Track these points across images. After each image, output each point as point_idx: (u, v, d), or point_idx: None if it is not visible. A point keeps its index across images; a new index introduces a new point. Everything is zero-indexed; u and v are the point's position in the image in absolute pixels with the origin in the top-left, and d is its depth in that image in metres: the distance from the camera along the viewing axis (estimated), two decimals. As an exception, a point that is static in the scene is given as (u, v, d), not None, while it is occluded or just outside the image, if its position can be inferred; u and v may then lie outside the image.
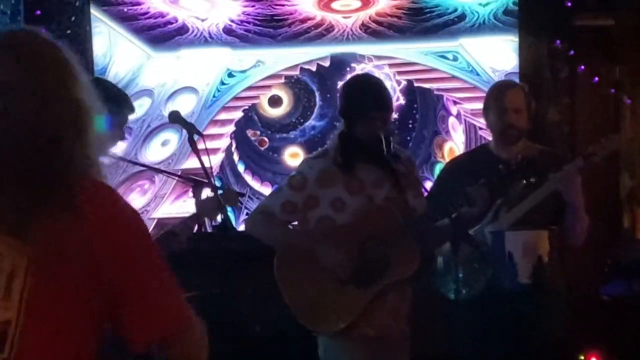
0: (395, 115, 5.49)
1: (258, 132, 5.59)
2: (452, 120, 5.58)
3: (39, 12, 5.37)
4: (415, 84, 5.56)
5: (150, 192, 5.50)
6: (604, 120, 5.43)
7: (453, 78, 5.57)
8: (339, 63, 5.55)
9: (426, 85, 5.58)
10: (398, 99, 5.53)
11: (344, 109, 3.60)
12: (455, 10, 5.47)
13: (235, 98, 5.58)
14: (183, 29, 5.48)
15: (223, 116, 5.57)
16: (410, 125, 5.57)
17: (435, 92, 5.57)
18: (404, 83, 5.54)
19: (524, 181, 3.64)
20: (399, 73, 5.54)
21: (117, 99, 3.56)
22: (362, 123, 3.50)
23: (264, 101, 5.60)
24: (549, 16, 5.39)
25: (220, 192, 3.58)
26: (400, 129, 5.52)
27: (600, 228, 4.75)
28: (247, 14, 5.49)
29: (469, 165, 3.90)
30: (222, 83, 5.56)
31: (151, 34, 5.48)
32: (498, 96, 3.81)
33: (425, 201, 3.55)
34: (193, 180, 3.72)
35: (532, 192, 3.64)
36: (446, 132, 5.58)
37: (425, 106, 5.59)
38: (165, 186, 5.49)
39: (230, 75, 5.56)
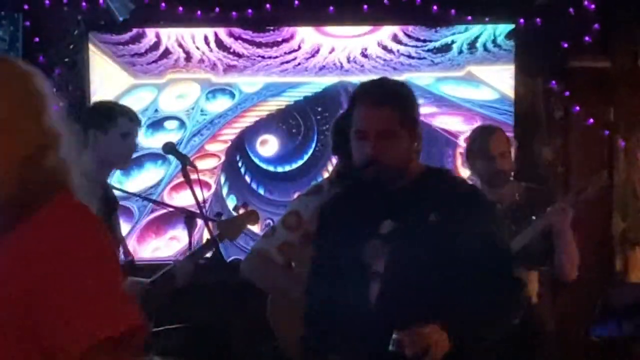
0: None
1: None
2: (459, 156, 5.43)
3: (37, 39, 5.37)
4: (420, 118, 5.45)
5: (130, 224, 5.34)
6: (598, 162, 5.44)
7: (461, 112, 5.49)
8: (335, 94, 5.43)
9: (432, 120, 5.47)
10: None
11: (339, 141, 3.56)
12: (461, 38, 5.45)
13: (224, 127, 5.46)
14: (167, 54, 5.40)
15: (210, 147, 5.47)
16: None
17: (441, 127, 5.48)
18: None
19: (517, 220, 3.65)
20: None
21: (106, 114, 3.52)
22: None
23: (254, 133, 5.48)
24: (545, 57, 5.42)
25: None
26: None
27: (592, 270, 4.75)
28: (237, 40, 5.40)
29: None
30: (206, 112, 5.45)
31: (136, 58, 5.40)
32: (483, 144, 3.81)
33: None
34: (188, 212, 3.71)
35: (523, 230, 3.65)
36: (453, 169, 5.47)
37: (430, 141, 5.37)
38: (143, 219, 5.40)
39: (215, 104, 5.45)
